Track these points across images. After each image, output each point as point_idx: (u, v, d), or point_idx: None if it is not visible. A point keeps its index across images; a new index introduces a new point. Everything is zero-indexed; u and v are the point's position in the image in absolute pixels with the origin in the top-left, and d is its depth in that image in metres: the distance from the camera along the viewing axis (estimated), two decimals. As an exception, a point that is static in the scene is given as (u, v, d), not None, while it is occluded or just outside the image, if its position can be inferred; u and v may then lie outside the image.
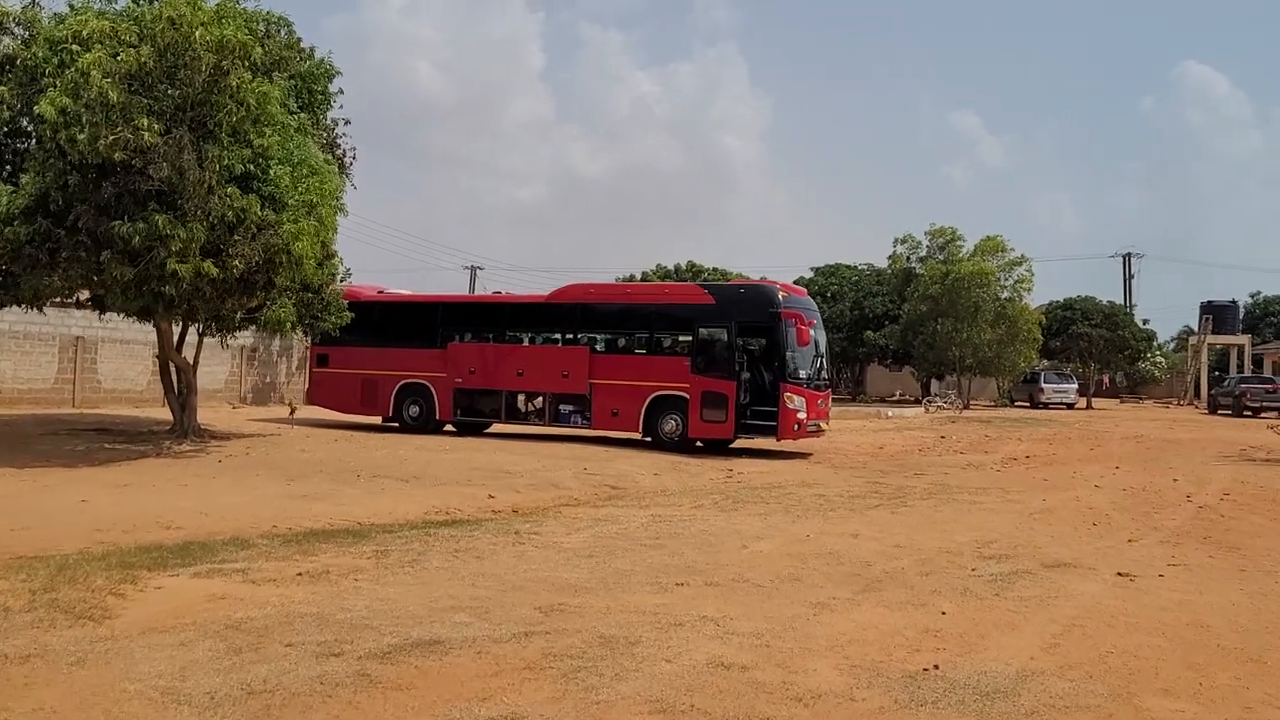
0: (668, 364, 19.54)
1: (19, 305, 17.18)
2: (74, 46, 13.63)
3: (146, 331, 21.97)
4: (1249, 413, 38.79)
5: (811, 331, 19.10)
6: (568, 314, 20.60)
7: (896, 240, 46.10)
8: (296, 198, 14.77)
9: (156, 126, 13.32)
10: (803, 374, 18.83)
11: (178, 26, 13.47)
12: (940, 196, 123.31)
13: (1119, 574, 8.07)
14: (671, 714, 4.62)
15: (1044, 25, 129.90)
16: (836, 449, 20.55)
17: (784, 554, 8.69)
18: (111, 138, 12.99)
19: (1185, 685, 5.25)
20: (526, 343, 21.74)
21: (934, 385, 47.48)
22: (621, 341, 20.46)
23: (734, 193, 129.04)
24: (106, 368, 25.34)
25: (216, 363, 27.01)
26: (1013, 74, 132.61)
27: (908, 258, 45.55)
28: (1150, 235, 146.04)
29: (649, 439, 19.37)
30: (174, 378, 18.48)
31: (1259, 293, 70.60)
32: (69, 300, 18.98)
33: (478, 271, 68.97)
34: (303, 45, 17.61)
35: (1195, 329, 55.46)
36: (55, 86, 13.43)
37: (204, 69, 13.56)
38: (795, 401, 18.41)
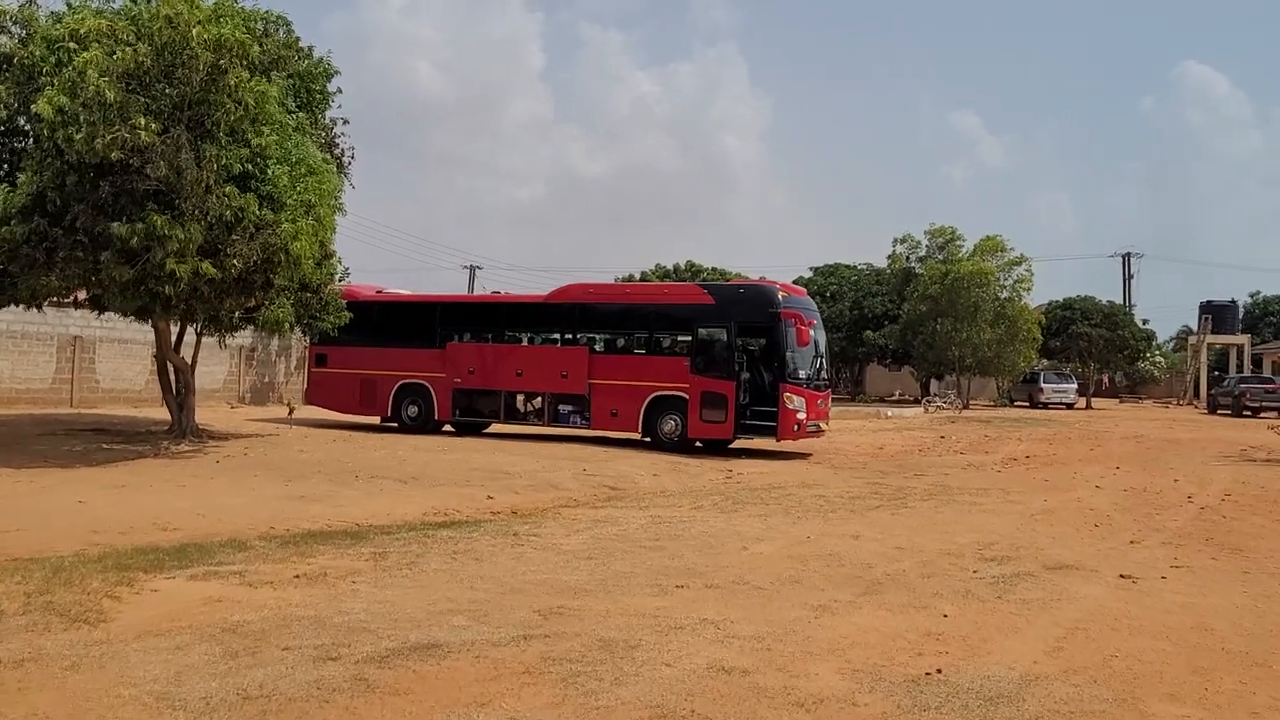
0: (667, 364, 19.49)
1: (16, 305, 17.12)
2: (71, 45, 13.58)
3: (145, 331, 21.92)
4: (1248, 413, 38.77)
5: (811, 331, 19.05)
6: (566, 314, 20.55)
7: (896, 240, 46.19)
8: (295, 197, 14.72)
9: (154, 126, 13.27)
10: (802, 374, 18.78)
11: (175, 25, 13.43)
12: (940, 196, 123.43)
13: (1121, 576, 8.02)
14: None
15: (1044, 25, 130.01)
16: (836, 449, 20.50)
17: (784, 556, 8.65)
18: (109, 137, 12.94)
19: (1190, 690, 5.20)
20: (525, 343, 21.69)
21: (933, 385, 47.45)
22: (621, 341, 20.42)
23: (733, 193, 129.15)
24: (104, 367, 25.27)
25: (215, 362, 26.95)
26: (1012, 74, 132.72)
27: (907, 257, 45.55)
28: (1150, 235, 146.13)
29: (648, 439, 19.32)
30: (172, 377, 18.43)
31: (1258, 292, 70.66)
32: (67, 300, 18.93)
33: (476, 271, 68.94)
34: (301, 44, 17.57)
35: (1194, 329, 55.44)
36: (52, 85, 13.38)
37: (201, 68, 13.51)
38: (795, 402, 18.37)
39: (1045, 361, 48.83)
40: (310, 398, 23.50)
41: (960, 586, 7.51)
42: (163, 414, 19.45)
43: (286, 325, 17.86)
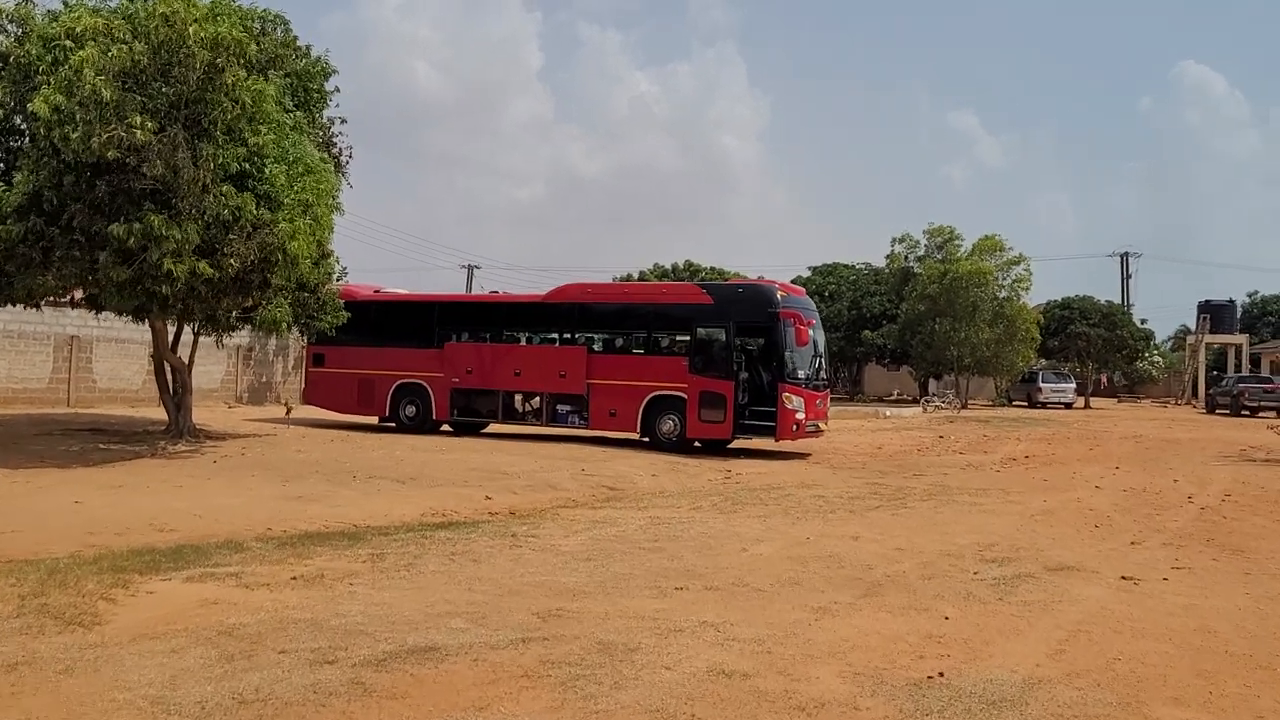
0: (666, 364, 19.45)
1: (13, 304, 17.06)
2: (67, 43, 13.51)
3: (142, 331, 21.85)
4: (1247, 412, 38.77)
5: (810, 331, 19.01)
6: (565, 314, 20.51)
7: (895, 240, 46.13)
8: (292, 196, 14.67)
9: (150, 124, 13.21)
10: (801, 374, 18.75)
11: (171, 24, 13.37)
12: (938, 196, 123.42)
13: (1123, 578, 7.99)
14: (672, 724, 4.53)
15: (1043, 25, 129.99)
16: (835, 449, 20.47)
17: (784, 557, 8.60)
18: (105, 136, 12.88)
19: (1195, 693, 5.16)
20: (524, 342, 21.64)
21: (932, 385, 47.42)
22: (619, 341, 20.38)
23: (732, 192, 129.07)
24: (102, 367, 25.20)
25: (212, 362, 26.89)
26: (1011, 74, 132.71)
27: (906, 257, 45.52)
28: (1148, 235, 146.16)
29: (646, 439, 19.28)
30: (169, 377, 18.38)
31: (1256, 292, 70.64)
32: (64, 299, 18.86)
33: (475, 271, 68.91)
34: (299, 43, 17.50)
35: (1193, 328, 55.41)
36: (49, 84, 13.32)
37: (198, 66, 13.45)
38: (794, 402, 18.34)
39: (1044, 361, 48.80)
40: (308, 397, 23.45)
41: (961, 588, 7.47)
42: (160, 414, 19.39)
43: (284, 325, 17.80)
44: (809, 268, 52.26)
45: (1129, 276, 62.08)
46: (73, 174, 13.67)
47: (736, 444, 19.44)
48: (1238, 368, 52.45)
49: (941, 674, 5.30)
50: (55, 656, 5.25)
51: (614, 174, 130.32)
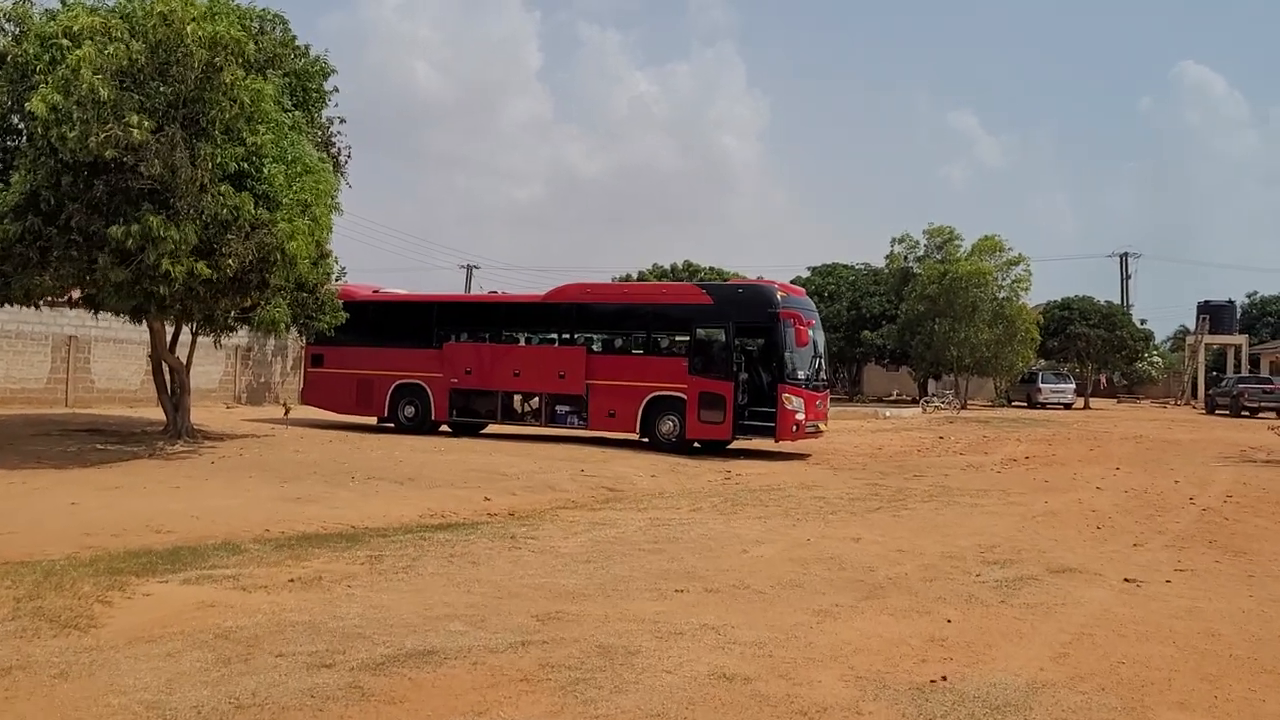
0: (665, 364, 19.40)
1: (10, 304, 17.00)
2: (64, 42, 13.45)
3: (141, 331, 21.76)
4: (1246, 413, 38.74)
5: (810, 332, 18.97)
6: (564, 314, 20.46)
7: (894, 240, 46.07)
8: (291, 196, 14.60)
9: (147, 123, 13.14)
10: (801, 374, 18.70)
11: (169, 22, 13.30)
12: (938, 196, 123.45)
13: (1125, 580, 7.94)
14: (673, 729, 4.49)
15: (1042, 25, 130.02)
16: (835, 450, 20.43)
17: (785, 559, 8.56)
18: (102, 135, 12.82)
19: (1200, 698, 5.12)
20: (523, 343, 21.58)
21: (931, 385, 47.37)
22: (618, 342, 20.34)
23: (732, 192, 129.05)
24: (100, 367, 25.14)
25: (211, 362, 26.83)
26: (1010, 74, 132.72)
27: (905, 257, 45.47)
28: (1148, 235, 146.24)
29: (646, 440, 19.23)
30: (167, 378, 18.31)
31: (1256, 293, 70.70)
32: (62, 299, 18.80)
33: (474, 271, 68.86)
34: (297, 42, 17.43)
35: (1192, 329, 55.41)
36: (47, 83, 13.25)
37: (196, 65, 13.38)
38: (794, 402, 18.29)
39: (1043, 361, 48.78)
40: (306, 398, 23.40)
41: (963, 590, 7.43)
42: (158, 414, 19.31)
43: (283, 325, 17.77)
44: (809, 268, 52.23)
45: (1128, 277, 62.15)
46: (70, 174, 13.60)
47: (736, 445, 19.39)
48: (1237, 368, 52.46)
49: (944, 678, 5.25)
50: (50, 660, 5.20)
51: (614, 174, 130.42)
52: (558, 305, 20.63)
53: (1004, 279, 41.40)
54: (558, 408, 20.05)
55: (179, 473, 13.43)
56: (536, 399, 20.43)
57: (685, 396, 18.73)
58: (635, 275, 50.78)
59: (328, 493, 12.07)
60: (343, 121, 19.06)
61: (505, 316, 21.96)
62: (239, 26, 14.24)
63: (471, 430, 21.20)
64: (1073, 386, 46.27)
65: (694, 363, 18.91)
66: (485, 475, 14.02)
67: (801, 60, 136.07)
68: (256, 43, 15.04)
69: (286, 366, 31.18)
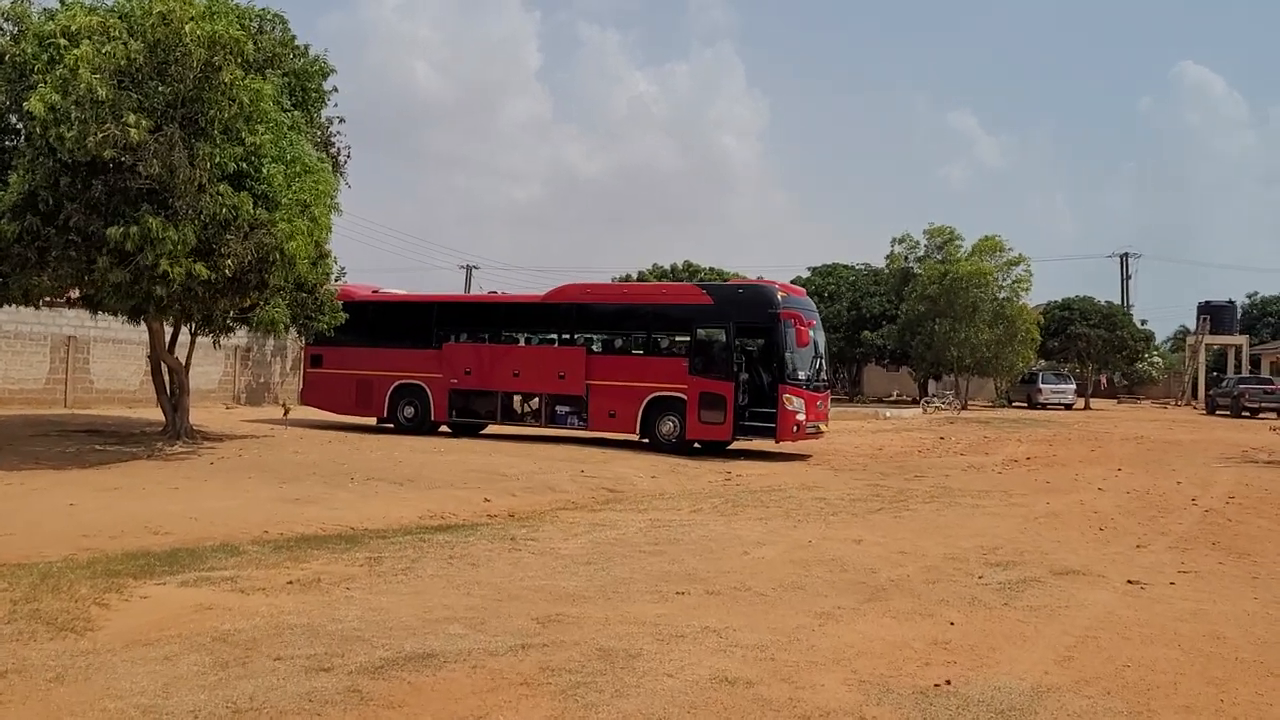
0: (665, 365, 19.34)
1: (9, 304, 16.95)
2: (62, 41, 13.40)
3: (139, 331, 21.70)
4: (1247, 413, 38.71)
5: (811, 332, 18.91)
6: (564, 314, 20.41)
7: (894, 240, 46.04)
8: (290, 196, 14.55)
9: (145, 123, 13.09)
10: (802, 375, 18.64)
11: (168, 21, 13.25)
12: (938, 196, 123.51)
13: (1129, 582, 7.90)
14: (675, 734, 4.44)
15: (1041, 25, 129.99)
16: (835, 450, 20.38)
17: (786, 560, 8.51)
18: (100, 135, 12.76)
19: (1206, 702, 5.07)
20: (522, 343, 21.53)
21: (931, 386, 47.33)
22: (618, 342, 20.29)
23: (732, 193, 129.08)
24: (99, 368, 25.09)
25: (210, 363, 26.78)
26: (1010, 74, 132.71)
27: (905, 257, 45.42)
28: (1147, 235, 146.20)
29: (646, 440, 19.18)
30: (166, 378, 18.26)
31: (1256, 293, 70.71)
32: (60, 300, 18.75)
33: (474, 271, 68.84)
34: (297, 42, 17.37)
35: (1193, 329, 55.37)
36: (45, 83, 13.20)
37: (195, 65, 13.33)
38: (794, 403, 18.24)
39: (1043, 362, 48.75)
40: (306, 398, 23.35)
41: (966, 593, 7.38)
42: (157, 415, 19.26)
43: (282, 325, 17.72)
44: (809, 268, 52.18)
45: (1128, 277, 62.13)
46: (69, 173, 13.54)
47: (736, 445, 19.34)
48: (1237, 368, 52.42)
49: (949, 681, 5.21)
50: (46, 664, 5.15)
51: (613, 174, 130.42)
52: (557, 305, 20.57)
53: (1004, 279, 41.38)
54: (557, 408, 20.00)
55: (178, 474, 13.38)
56: (536, 399, 20.38)
57: (685, 397, 18.67)
58: (635, 275, 50.72)
59: (327, 494, 12.01)
60: (342, 121, 19.02)
61: (505, 317, 21.91)
62: (238, 26, 14.20)
63: (471, 431, 21.15)
64: (1073, 387, 46.24)
65: (694, 363, 18.86)
66: (485, 476, 13.96)
67: (801, 60, 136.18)
68: (255, 42, 14.99)
69: (286, 367, 31.12)
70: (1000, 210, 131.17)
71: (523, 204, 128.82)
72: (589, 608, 6.65)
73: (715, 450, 19.23)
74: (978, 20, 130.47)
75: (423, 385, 20.97)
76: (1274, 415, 38.06)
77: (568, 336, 20.41)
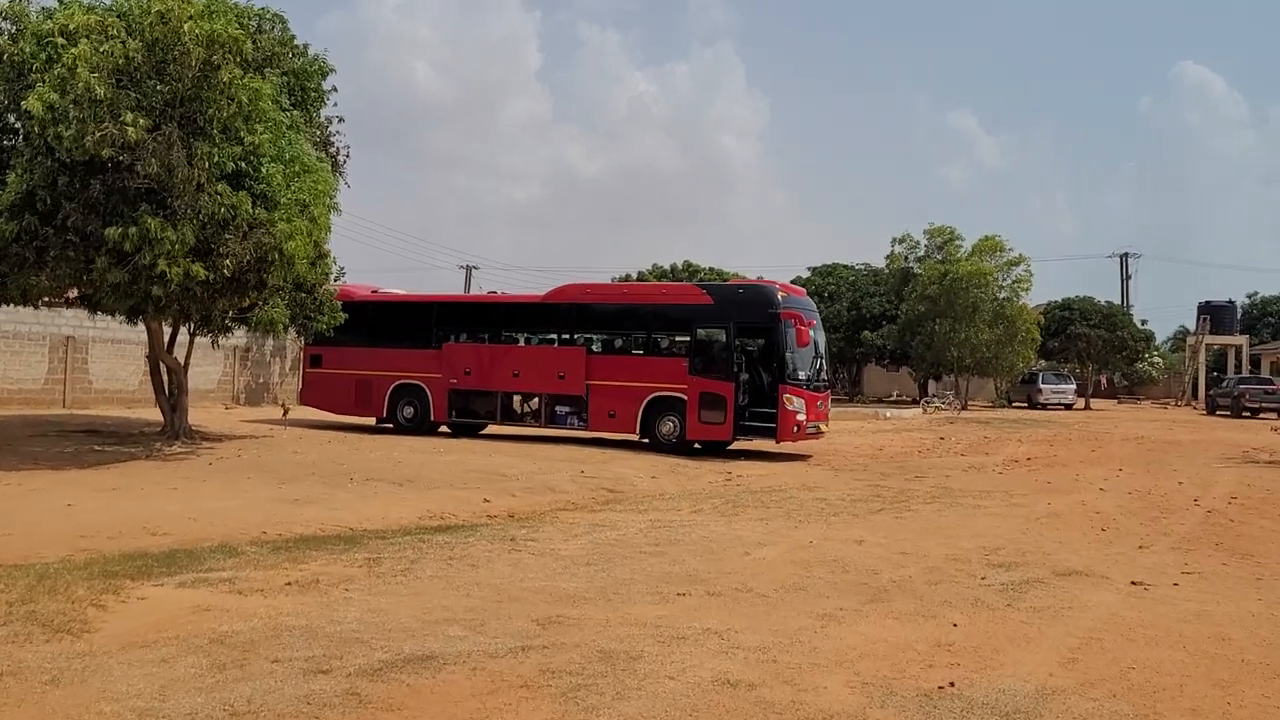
0: (665, 365, 19.30)
1: (7, 304, 16.90)
2: (60, 40, 13.36)
3: (138, 331, 21.65)
4: (1247, 413, 38.68)
5: (811, 332, 18.87)
6: (564, 314, 20.37)
7: (894, 240, 46.04)
8: (289, 196, 14.50)
9: (143, 122, 13.04)
10: (802, 375, 18.60)
11: (166, 20, 13.21)
12: (938, 196, 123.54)
13: (1133, 583, 7.85)
14: (677, 737, 4.40)
15: (1041, 25, 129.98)
16: (836, 450, 20.34)
17: (787, 561, 8.47)
18: (99, 134, 12.72)
19: (1212, 704, 5.03)
20: (522, 343, 21.48)
21: (931, 386, 47.30)
22: (618, 342, 20.25)
23: (732, 193, 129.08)
24: (98, 368, 25.05)
25: (209, 363, 26.73)
26: (1010, 74, 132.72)
27: (905, 257, 45.42)
28: (1147, 235, 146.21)
29: (646, 441, 19.13)
30: (165, 378, 18.21)
31: (1256, 293, 70.67)
32: (59, 299, 18.71)
33: (473, 271, 68.79)
34: (296, 42, 17.33)
35: (1193, 329, 55.34)
36: (43, 82, 13.16)
37: (194, 64, 13.29)
38: (794, 403, 18.20)
39: (1044, 362, 48.73)
40: (305, 398, 23.30)
41: (969, 594, 7.34)
42: (156, 415, 19.20)
43: (281, 326, 17.67)
44: (809, 268, 52.17)
45: (1128, 277, 62.15)
46: (67, 173, 13.50)
47: (737, 445, 19.30)
48: (1238, 369, 52.40)
49: (952, 684, 5.16)
50: (42, 666, 5.11)
51: (613, 174, 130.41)
52: (557, 305, 20.53)
53: (1004, 279, 41.38)
54: (557, 408, 19.96)
55: (176, 474, 13.33)
56: (536, 399, 20.34)
57: (686, 397, 18.63)
58: (635, 275, 50.70)
59: (326, 494, 11.97)
60: (341, 121, 18.99)
61: (505, 317, 21.87)
62: (237, 25, 14.16)
63: (471, 431, 21.11)
64: (1073, 387, 46.22)
65: (694, 363, 18.81)
66: (485, 476, 13.92)
67: (801, 60, 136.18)
68: (254, 41, 14.96)
69: (285, 367, 31.08)
70: (1000, 210, 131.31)
71: (523, 204, 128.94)
72: (589, 609, 6.60)
73: (715, 450, 19.19)
74: (978, 20, 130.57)
75: (422, 385, 20.92)
76: (1274, 415, 38.02)
77: (567, 336, 20.36)
